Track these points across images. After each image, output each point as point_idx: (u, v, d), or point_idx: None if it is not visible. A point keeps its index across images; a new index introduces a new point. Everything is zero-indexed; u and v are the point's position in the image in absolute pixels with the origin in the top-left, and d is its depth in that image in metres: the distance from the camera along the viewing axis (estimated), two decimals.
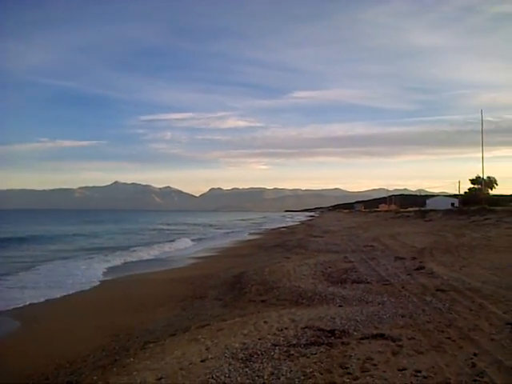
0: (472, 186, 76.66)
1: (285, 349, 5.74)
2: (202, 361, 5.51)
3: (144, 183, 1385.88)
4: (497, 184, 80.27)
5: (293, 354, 5.49)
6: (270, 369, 5.08)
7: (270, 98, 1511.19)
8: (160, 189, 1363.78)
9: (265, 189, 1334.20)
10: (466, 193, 76.35)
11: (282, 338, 6.21)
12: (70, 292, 12.23)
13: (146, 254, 22.82)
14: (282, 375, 4.87)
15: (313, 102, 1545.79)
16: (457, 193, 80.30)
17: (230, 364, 5.29)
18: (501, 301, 7.98)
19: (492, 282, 9.94)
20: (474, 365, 4.88)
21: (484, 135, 63.76)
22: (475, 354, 5.20)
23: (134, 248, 24.84)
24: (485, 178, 73.37)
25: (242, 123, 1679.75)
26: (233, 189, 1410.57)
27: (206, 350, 5.98)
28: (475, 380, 4.47)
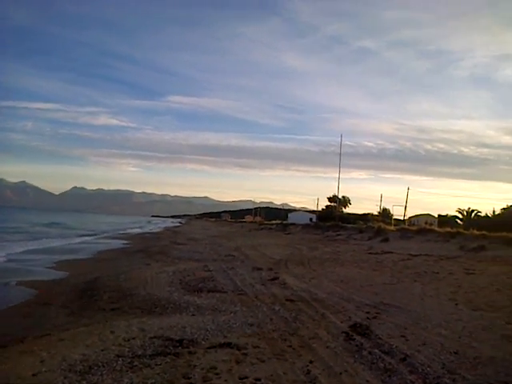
0: (329, 203, 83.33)
1: (129, 360, 5.52)
2: (33, 375, 5.04)
3: None
4: (350, 203, 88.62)
5: (136, 365, 5.31)
6: (109, 381, 4.84)
7: (144, 99, 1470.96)
8: (14, 183, 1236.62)
9: (133, 192, 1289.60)
10: (323, 209, 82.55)
11: (127, 349, 5.97)
12: None
13: None
14: None
15: (188, 108, 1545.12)
16: (315, 209, 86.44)
17: (65, 377, 4.92)
18: (340, 311, 8.70)
19: (335, 293, 10.80)
20: (308, 371, 5.21)
21: (343, 158, 69.83)
22: (311, 362, 5.56)
23: None
24: (340, 197, 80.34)
25: (113, 121, 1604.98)
26: (98, 189, 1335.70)
27: (41, 362, 5.48)
28: None
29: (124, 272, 14.25)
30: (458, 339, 6.69)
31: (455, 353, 5.96)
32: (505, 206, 37.41)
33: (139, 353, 5.80)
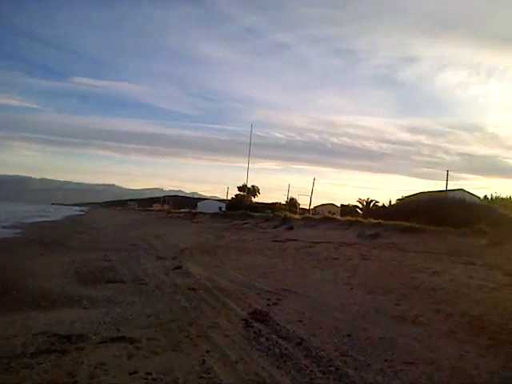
0: (239, 192, 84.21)
1: (6, 360, 4.97)
2: None
3: None
4: (259, 192, 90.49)
5: (12, 367, 4.79)
6: None
7: (45, 79, 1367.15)
8: None
9: (31, 178, 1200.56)
10: (232, 198, 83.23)
11: (6, 348, 5.39)
12: None
13: None
14: None
15: (95, 91, 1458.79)
16: (225, 198, 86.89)
17: None
18: (241, 298, 8.67)
19: (238, 281, 10.80)
20: (204, 362, 5.05)
21: (253, 148, 70.94)
22: (207, 351, 5.42)
23: None
24: (250, 186, 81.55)
25: (10, 101, 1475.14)
26: None
27: None
28: (201, 377, 4.61)
29: (13, 263, 13.10)
30: (351, 322, 6.96)
31: (348, 335, 6.17)
32: (400, 197, 40.16)
33: (18, 352, 5.26)
